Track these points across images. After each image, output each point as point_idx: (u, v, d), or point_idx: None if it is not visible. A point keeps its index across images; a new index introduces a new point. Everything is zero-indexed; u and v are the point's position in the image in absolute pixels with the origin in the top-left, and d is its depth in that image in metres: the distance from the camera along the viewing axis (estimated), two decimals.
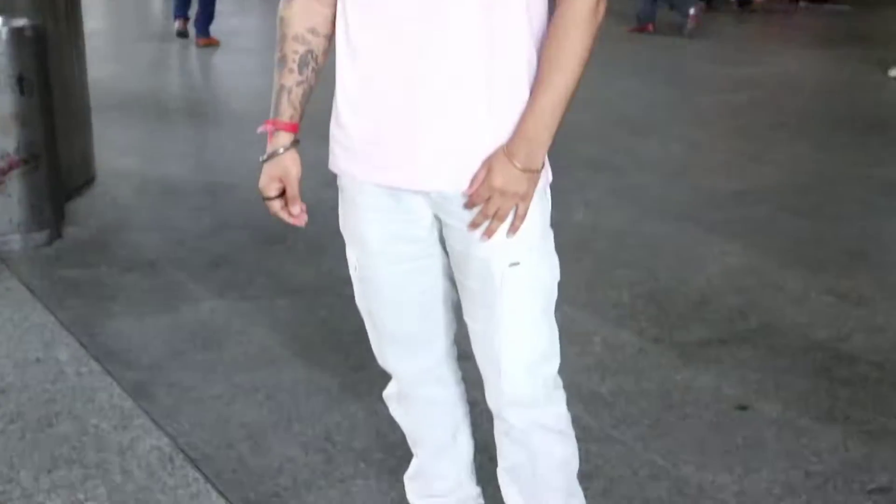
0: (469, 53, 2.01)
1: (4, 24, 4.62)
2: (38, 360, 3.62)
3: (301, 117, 2.19)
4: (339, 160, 2.18)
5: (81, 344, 3.74)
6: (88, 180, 5.51)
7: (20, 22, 4.66)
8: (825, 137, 6.52)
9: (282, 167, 2.16)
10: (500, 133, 2.02)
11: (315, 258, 4.51)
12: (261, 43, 10.00)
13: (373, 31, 2.04)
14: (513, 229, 2.05)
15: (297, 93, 2.16)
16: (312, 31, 2.16)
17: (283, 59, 2.16)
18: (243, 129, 6.63)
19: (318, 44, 2.17)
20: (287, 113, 2.16)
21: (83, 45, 5.69)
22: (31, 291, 4.21)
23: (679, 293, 4.25)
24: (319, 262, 4.46)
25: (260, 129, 2.18)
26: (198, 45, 10.15)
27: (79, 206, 5.16)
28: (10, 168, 4.58)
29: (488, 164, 1.99)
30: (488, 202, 2.00)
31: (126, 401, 3.30)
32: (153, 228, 4.99)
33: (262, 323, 3.99)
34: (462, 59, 2.01)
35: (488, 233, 2.04)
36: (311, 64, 2.17)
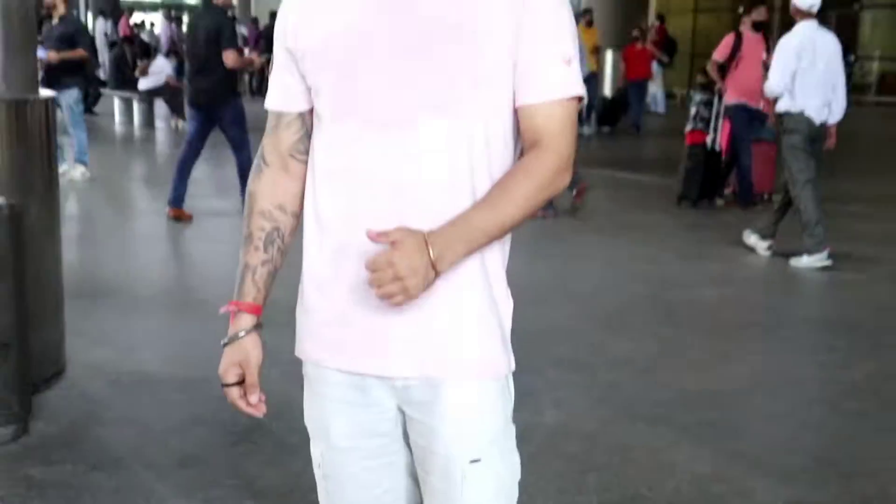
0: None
1: None
2: None
3: (265, 299, 2.17)
4: (305, 344, 2.15)
5: None
6: (58, 372, 5.41)
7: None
8: (795, 338, 6.57)
9: (242, 351, 2.13)
10: (477, 335, 2.04)
11: (282, 458, 4.44)
12: (238, 227, 10.12)
13: (343, 200, 2.03)
14: (380, 293, 1.88)
15: (262, 273, 2.15)
16: (280, 207, 2.15)
17: (249, 237, 2.15)
18: (217, 318, 6.67)
19: (285, 221, 2.16)
20: (250, 294, 2.15)
21: (59, 227, 5.67)
22: None
23: (648, 501, 4.25)
24: (287, 462, 4.39)
25: (222, 310, 2.18)
26: (168, 216, 10.27)
27: (48, 399, 5.07)
28: None
29: (400, 233, 1.87)
30: (378, 271, 1.86)
31: None
32: (122, 423, 4.91)
33: None
34: None
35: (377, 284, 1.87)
36: (278, 242, 2.16)
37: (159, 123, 19.61)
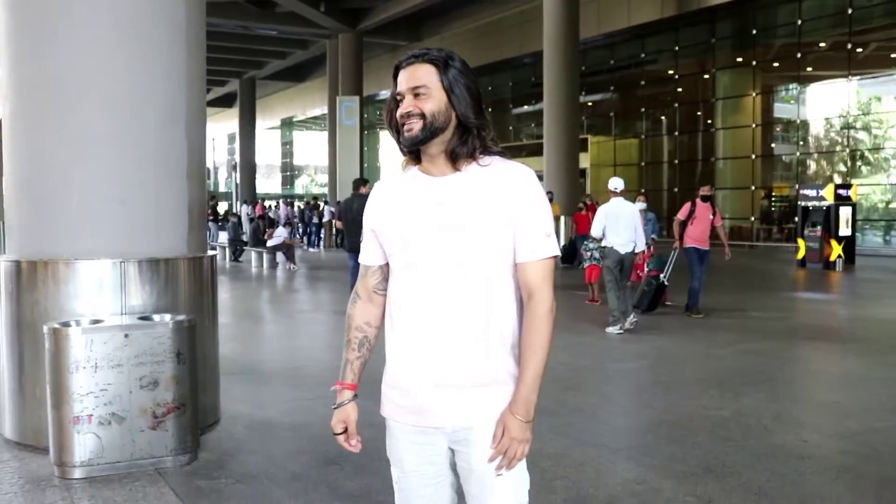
0: (474, 331, 2.04)
1: (173, 318, 4.68)
2: None
3: (359, 380, 2.21)
4: (387, 408, 2.17)
5: None
6: (215, 421, 5.42)
7: (181, 317, 4.71)
8: (688, 390, 6.52)
9: (346, 413, 2.18)
10: (494, 396, 2.06)
11: (358, 475, 4.42)
12: (334, 327, 10.09)
13: (410, 318, 2.08)
14: (517, 460, 2.05)
15: (356, 364, 2.21)
16: (368, 323, 2.21)
17: (348, 342, 2.21)
18: (315, 385, 6.67)
19: (371, 332, 2.22)
20: (349, 378, 2.20)
21: (217, 331, 5.70)
22: (177, 495, 4.16)
23: (595, 499, 4.22)
24: (361, 477, 4.37)
25: (332, 388, 2.23)
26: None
27: (209, 438, 5.08)
28: (168, 412, 4.50)
29: (503, 424, 2.03)
30: (508, 448, 2.02)
31: None
32: (255, 453, 4.89)
33: None
34: (467, 335, 2.04)
35: (508, 467, 2.05)
36: (366, 345, 2.21)
37: (279, 267, 19.71)
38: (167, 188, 5.09)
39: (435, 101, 2.02)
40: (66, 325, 4.49)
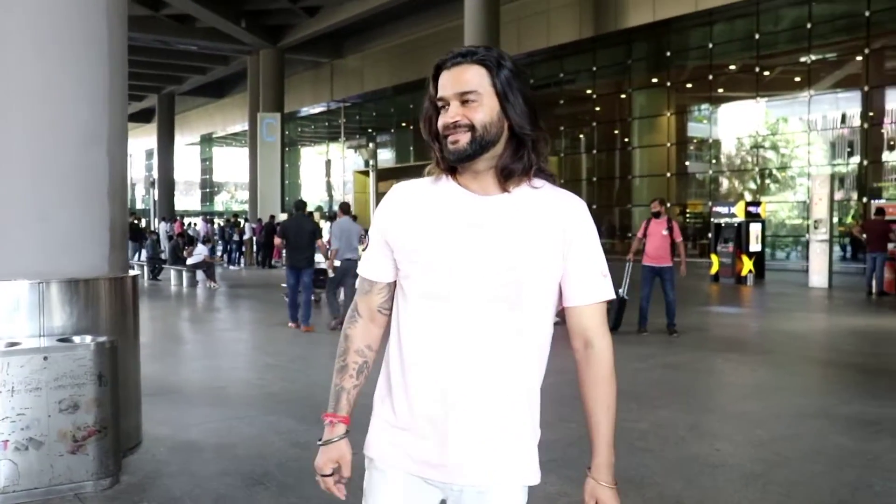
0: (515, 382, 1.81)
1: (94, 339, 4.59)
2: None
3: (352, 410, 1.94)
4: (386, 451, 1.88)
5: None
6: (137, 443, 5.33)
7: (102, 339, 4.63)
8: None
9: (339, 451, 1.89)
10: (517, 455, 1.84)
11: (282, 496, 4.39)
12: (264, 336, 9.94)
13: (429, 351, 1.80)
14: None
15: (353, 394, 1.93)
16: (369, 346, 1.94)
17: (345, 367, 1.92)
18: (236, 404, 6.62)
19: (370, 357, 1.95)
20: (344, 409, 1.91)
21: (139, 351, 5.62)
22: None
23: None
24: (288, 497, 4.35)
25: (326, 421, 1.92)
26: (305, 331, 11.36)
27: (131, 461, 4.99)
28: (89, 436, 4.42)
29: (595, 496, 1.83)
30: None
31: None
32: (178, 475, 4.82)
33: None
34: (507, 386, 1.81)
35: None
36: (365, 371, 1.94)
37: (199, 285, 19.41)
38: (88, 207, 5.01)
39: (486, 109, 1.74)
40: None
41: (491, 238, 1.75)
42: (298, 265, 11.52)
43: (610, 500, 1.81)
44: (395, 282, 1.91)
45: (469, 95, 1.74)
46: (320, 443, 1.92)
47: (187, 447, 5.48)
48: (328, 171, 47.06)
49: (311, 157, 50.89)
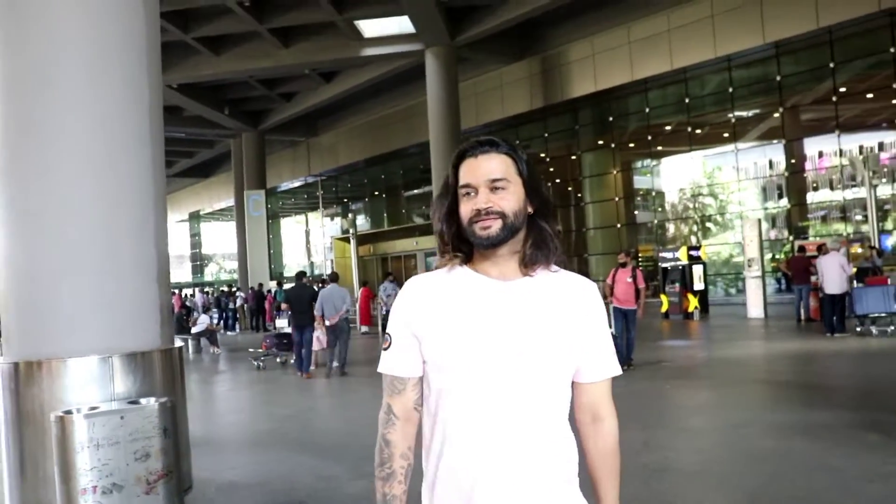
0: (558, 464, 1.75)
1: (157, 400, 5.21)
2: None
3: None
4: None
5: None
6: (189, 486, 5.88)
7: (164, 399, 5.24)
8: (573, 425, 7.38)
9: None
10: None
11: None
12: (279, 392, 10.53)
13: (470, 443, 1.68)
14: None
15: (404, 500, 1.77)
16: (410, 448, 1.78)
17: (392, 474, 1.75)
18: (270, 448, 7.26)
19: (412, 457, 1.79)
20: None
21: (186, 409, 6.20)
22: None
23: None
24: None
25: None
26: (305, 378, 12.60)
27: (188, 500, 5.56)
28: (159, 479, 5.01)
29: None
30: None
31: None
32: None
33: None
34: (553, 470, 1.74)
35: None
36: (410, 475, 1.78)
37: (203, 351, 19.91)
38: (143, 292, 5.75)
39: (515, 197, 1.70)
40: (69, 412, 5.06)
41: (522, 322, 1.68)
42: (301, 324, 12.72)
43: None
44: (422, 377, 1.78)
45: (499, 183, 1.69)
46: None
47: (230, 487, 6.13)
48: (308, 239, 47.81)
49: (292, 227, 51.63)
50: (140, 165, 5.82)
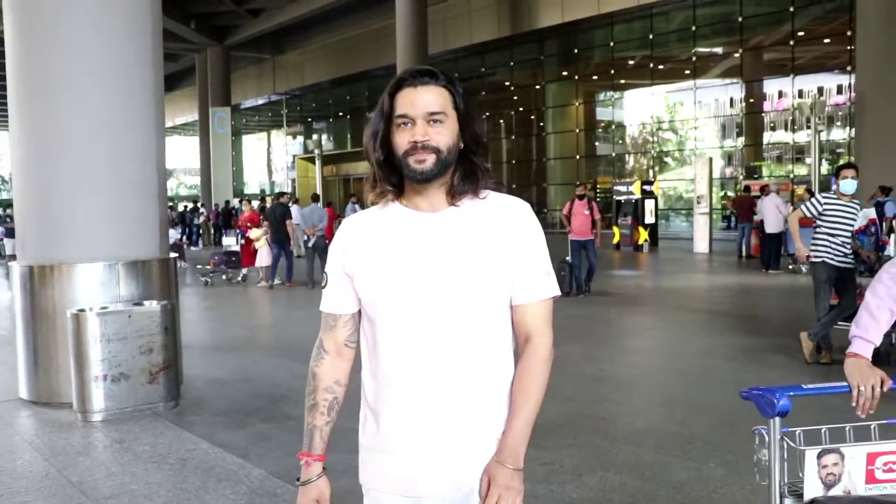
0: (487, 385, 1.73)
1: (159, 302, 5.98)
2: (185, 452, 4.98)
3: (326, 447, 1.82)
4: (373, 477, 1.80)
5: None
6: (180, 381, 6.65)
7: (165, 301, 6.02)
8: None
9: (318, 490, 1.79)
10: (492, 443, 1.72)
11: (302, 405, 5.89)
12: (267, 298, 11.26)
13: (403, 370, 1.72)
14: None
15: (326, 430, 1.81)
16: (337, 382, 1.81)
17: (315, 405, 1.80)
18: (254, 350, 8.04)
19: (340, 392, 1.82)
20: (319, 447, 1.80)
21: (179, 312, 6.95)
22: (177, 426, 5.51)
23: None
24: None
25: (302, 461, 1.81)
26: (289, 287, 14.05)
27: (181, 391, 6.29)
28: (160, 371, 5.80)
29: (489, 474, 1.68)
30: (499, 499, 1.64)
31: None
32: (220, 398, 6.24)
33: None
34: (482, 391, 1.73)
35: None
36: (336, 407, 1.82)
37: None
38: (145, 208, 6.40)
39: (450, 132, 1.69)
40: (83, 310, 5.77)
41: (449, 252, 1.70)
42: (277, 241, 14.23)
43: (506, 477, 1.67)
44: (358, 312, 1.80)
45: (437, 116, 1.67)
46: (299, 483, 1.81)
47: (218, 382, 6.90)
48: (269, 157, 47.90)
49: (254, 145, 51.54)
50: (143, 92, 6.40)
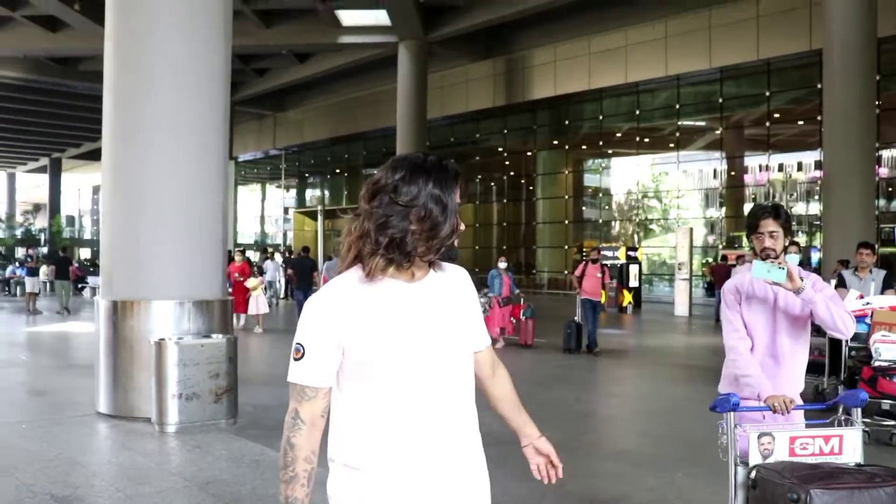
0: (476, 438, 2.00)
1: (225, 336, 7.13)
2: (252, 458, 6.07)
3: None
4: None
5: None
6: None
7: (230, 335, 7.17)
8: (519, 385, 9.46)
9: None
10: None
11: None
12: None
13: (405, 433, 1.85)
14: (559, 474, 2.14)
15: (306, 502, 1.86)
16: (314, 452, 1.87)
17: (295, 477, 1.84)
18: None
19: (315, 461, 1.87)
20: None
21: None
22: (239, 436, 6.59)
23: None
24: None
25: None
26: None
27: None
28: (224, 393, 6.94)
29: (539, 449, 2.14)
30: (549, 464, 2.14)
31: None
32: (267, 419, 7.27)
33: None
34: (476, 445, 1.99)
35: (556, 475, 2.16)
36: (313, 478, 1.87)
37: None
38: (210, 256, 7.66)
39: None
40: (163, 340, 6.98)
41: (433, 316, 1.89)
42: (303, 287, 16.69)
43: (547, 443, 2.15)
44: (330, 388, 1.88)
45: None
46: None
47: (264, 407, 7.98)
48: (263, 209, 49.21)
49: (250, 197, 52.83)
50: (216, 159, 7.71)
